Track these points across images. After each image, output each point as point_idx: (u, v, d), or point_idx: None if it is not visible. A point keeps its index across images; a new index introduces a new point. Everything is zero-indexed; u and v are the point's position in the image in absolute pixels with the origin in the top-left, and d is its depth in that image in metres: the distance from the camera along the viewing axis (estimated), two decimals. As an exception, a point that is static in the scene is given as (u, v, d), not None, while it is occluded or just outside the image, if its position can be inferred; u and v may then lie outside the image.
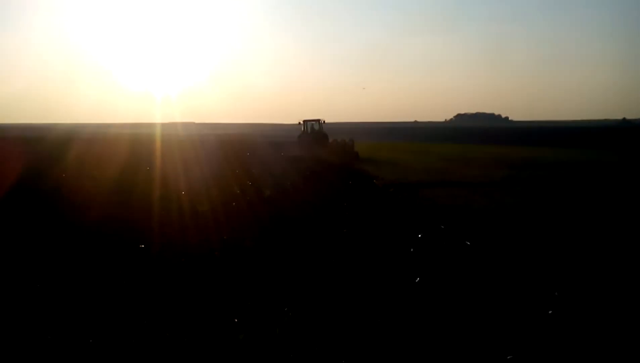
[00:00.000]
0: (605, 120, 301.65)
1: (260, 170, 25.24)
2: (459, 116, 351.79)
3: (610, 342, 5.71)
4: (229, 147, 48.26)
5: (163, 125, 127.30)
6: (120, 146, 46.38)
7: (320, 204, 15.06)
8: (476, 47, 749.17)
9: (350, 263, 8.95)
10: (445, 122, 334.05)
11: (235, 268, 8.67)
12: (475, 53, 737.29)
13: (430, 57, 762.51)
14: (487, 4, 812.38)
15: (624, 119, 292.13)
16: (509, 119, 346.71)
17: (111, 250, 9.69)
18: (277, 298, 7.16)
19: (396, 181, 21.60)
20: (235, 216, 13.10)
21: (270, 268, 8.66)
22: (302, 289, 7.61)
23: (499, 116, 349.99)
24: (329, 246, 10.09)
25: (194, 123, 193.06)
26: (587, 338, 5.74)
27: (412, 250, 9.74)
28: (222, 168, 26.30)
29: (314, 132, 43.40)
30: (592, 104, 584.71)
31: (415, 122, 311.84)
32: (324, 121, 43.97)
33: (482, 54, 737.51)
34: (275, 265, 8.80)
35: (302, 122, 43.93)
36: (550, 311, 6.26)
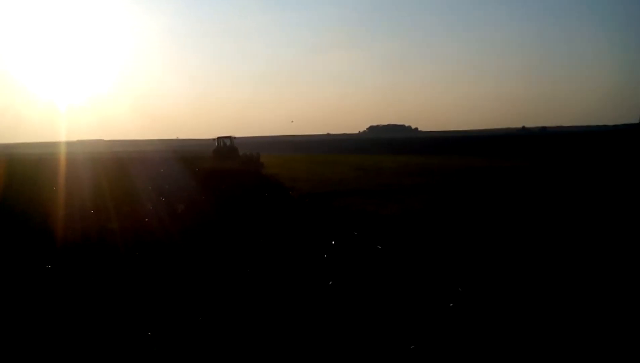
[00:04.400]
0: (507, 128, 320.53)
1: (173, 186, 24.77)
2: (372, 128, 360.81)
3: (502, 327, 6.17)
4: (140, 164, 47.06)
5: (69, 143, 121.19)
6: (23, 166, 43.73)
7: (235, 218, 15.02)
8: (385, 61, 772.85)
9: (266, 271, 9.04)
10: (359, 134, 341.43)
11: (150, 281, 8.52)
12: (385, 67, 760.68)
13: (341, 72, 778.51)
14: (393, 19, 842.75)
15: (523, 127, 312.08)
16: (418, 129, 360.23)
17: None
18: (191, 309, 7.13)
19: (311, 191, 21.90)
20: (146, 233, 12.81)
21: (186, 280, 8.58)
22: (216, 297, 7.61)
23: (409, 127, 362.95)
24: (243, 256, 10.13)
25: (102, 141, 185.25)
26: (485, 327, 6.17)
27: (325, 256, 9.99)
28: (134, 186, 25.54)
29: (226, 147, 50.82)
30: (494, 114, 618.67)
31: (329, 134, 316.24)
32: (234, 137, 52.38)
33: (391, 68, 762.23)
34: (194, 276, 8.73)
35: (216, 138, 51.94)
36: (451, 304, 6.67)
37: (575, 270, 8.70)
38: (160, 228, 13.47)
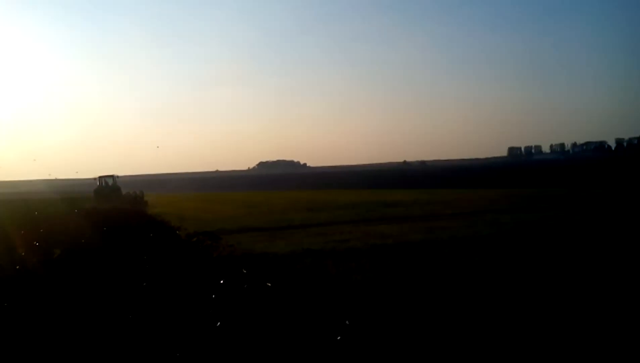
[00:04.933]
0: (390, 163, 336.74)
1: (50, 228, 23.15)
2: (261, 164, 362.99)
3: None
4: (10, 206, 43.65)
5: None
6: None
7: (119, 260, 14.34)
8: (274, 97, 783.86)
9: (149, 315, 8.71)
10: (248, 170, 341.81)
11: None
12: (273, 103, 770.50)
13: (230, 108, 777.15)
14: (281, 56, 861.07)
15: (404, 161, 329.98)
16: (307, 165, 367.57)
17: None
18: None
19: (199, 230, 21.46)
20: (17, 279, 11.84)
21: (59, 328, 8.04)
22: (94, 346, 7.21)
23: (298, 162, 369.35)
24: (127, 300, 9.70)
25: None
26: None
27: (213, 296, 9.82)
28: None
29: (109, 186, 49.59)
30: (378, 148, 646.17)
31: (217, 171, 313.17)
32: (117, 176, 51.44)
33: (280, 104, 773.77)
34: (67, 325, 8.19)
35: (97, 177, 50.60)
36: (339, 337, 6.83)
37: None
38: (33, 274, 12.52)
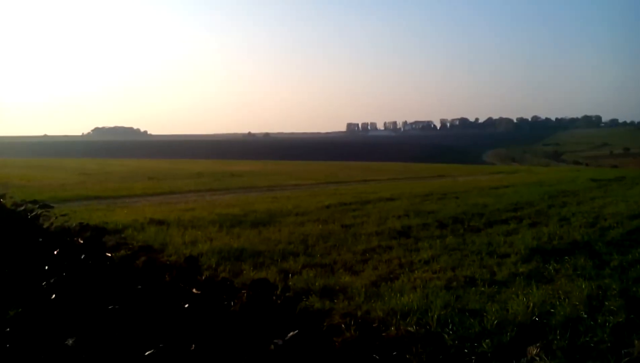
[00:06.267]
0: (234, 134, 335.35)
1: None
2: (97, 130, 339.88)
3: None
4: None
5: None
6: None
7: None
8: (108, 59, 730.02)
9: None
10: (82, 136, 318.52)
11: None
12: (109, 66, 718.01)
13: (59, 69, 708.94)
14: (117, 16, 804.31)
15: (249, 133, 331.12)
16: (148, 133, 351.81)
17: None
18: None
19: (27, 198, 19.69)
20: None
21: None
22: None
23: (138, 130, 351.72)
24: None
25: None
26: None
27: (46, 267, 9.25)
28: None
29: None
30: (223, 120, 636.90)
31: (45, 136, 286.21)
32: None
33: (117, 69, 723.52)
34: None
35: None
36: (186, 305, 6.83)
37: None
38: None
